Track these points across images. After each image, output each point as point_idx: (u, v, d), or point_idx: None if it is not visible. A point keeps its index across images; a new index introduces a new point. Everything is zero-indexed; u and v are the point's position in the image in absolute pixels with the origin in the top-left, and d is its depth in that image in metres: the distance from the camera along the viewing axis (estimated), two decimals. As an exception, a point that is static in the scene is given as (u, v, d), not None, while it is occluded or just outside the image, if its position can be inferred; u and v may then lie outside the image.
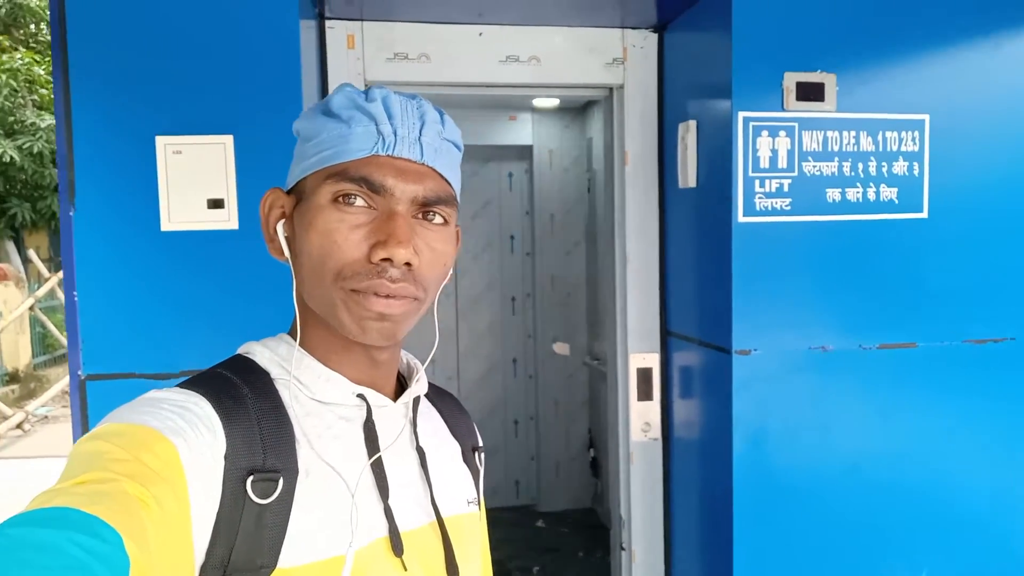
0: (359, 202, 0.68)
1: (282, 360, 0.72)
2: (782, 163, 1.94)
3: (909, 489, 2.02)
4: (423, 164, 0.70)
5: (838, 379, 1.99)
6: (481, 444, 0.89)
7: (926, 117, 1.99)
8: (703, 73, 2.10)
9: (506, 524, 3.81)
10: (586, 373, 3.92)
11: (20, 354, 8.39)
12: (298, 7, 1.77)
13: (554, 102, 3.75)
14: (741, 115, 1.91)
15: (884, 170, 1.99)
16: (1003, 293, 2.03)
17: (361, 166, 0.68)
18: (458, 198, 0.76)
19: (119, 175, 1.75)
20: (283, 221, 0.73)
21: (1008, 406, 2.05)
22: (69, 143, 1.72)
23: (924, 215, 2.00)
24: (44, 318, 8.59)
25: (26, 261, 9.62)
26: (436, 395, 0.87)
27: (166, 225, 1.74)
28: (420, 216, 0.70)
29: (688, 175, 2.16)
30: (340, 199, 0.67)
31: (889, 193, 1.99)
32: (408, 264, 0.67)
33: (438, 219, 0.71)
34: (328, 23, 2.20)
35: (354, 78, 2.22)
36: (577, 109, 3.90)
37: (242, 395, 0.66)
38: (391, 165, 0.68)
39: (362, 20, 2.22)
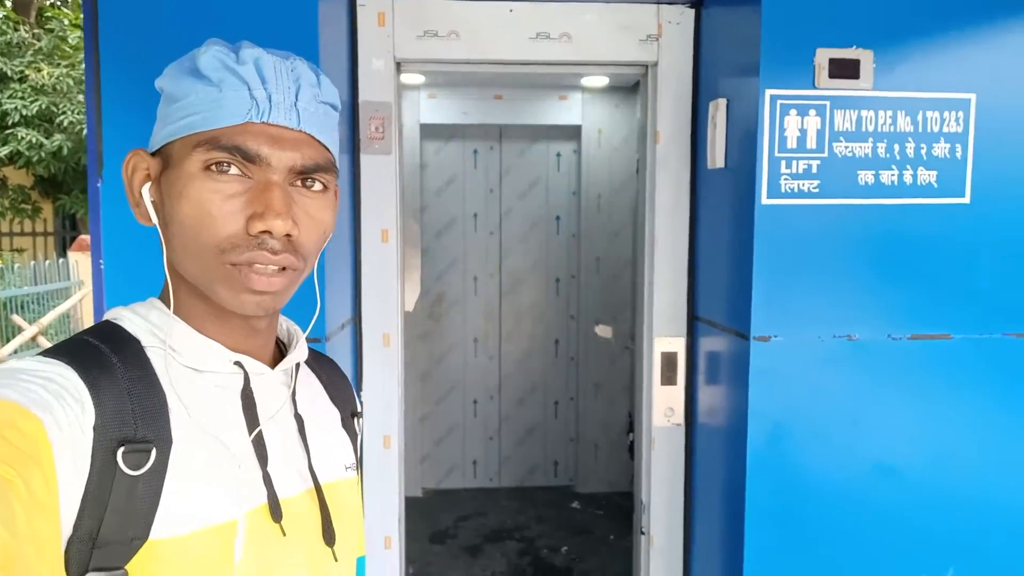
0: (233, 170, 0.65)
1: (154, 327, 0.69)
2: (811, 143, 1.86)
3: (940, 488, 1.93)
4: (299, 131, 0.67)
5: (865, 370, 1.91)
6: (360, 410, 0.89)
7: (972, 96, 1.88)
8: (734, 50, 2.03)
9: (542, 504, 3.82)
10: (628, 357, 3.87)
11: (100, 320, 8.84)
12: (318, -17, 1.79)
13: (604, 81, 3.70)
14: (768, 93, 1.85)
15: (923, 152, 1.89)
16: (1050, 285, 1.91)
17: (234, 134, 0.65)
18: (337, 162, 0.73)
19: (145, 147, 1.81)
20: (149, 184, 0.69)
21: (1052, 405, 1.94)
22: (98, 116, 1.79)
23: (966, 200, 1.90)
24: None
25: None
26: (316, 361, 0.86)
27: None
28: (299, 183, 0.68)
29: (716, 155, 2.10)
30: (212, 167, 0.65)
31: (928, 176, 1.89)
32: (288, 235, 0.66)
33: (317, 186, 0.69)
34: (359, 1, 2.22)
35: (384, 55, 2.24)
36: (628, 89, 3.84)
37: (111, 363, 0.64)
38: (265, 133, 0.65)
39: (393, -3, 2.22)
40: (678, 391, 2.36)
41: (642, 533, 2.50)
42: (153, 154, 0.70)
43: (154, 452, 0.62)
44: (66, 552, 0.58)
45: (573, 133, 3.90)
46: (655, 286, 2.37)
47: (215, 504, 0.64)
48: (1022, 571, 1.95)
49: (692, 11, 2.28)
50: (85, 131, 8.33)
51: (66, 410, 0.59)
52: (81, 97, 8.77)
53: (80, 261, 8.79)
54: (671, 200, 2.34)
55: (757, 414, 1.90)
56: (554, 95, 3.83)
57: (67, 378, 0.61)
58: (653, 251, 2.37)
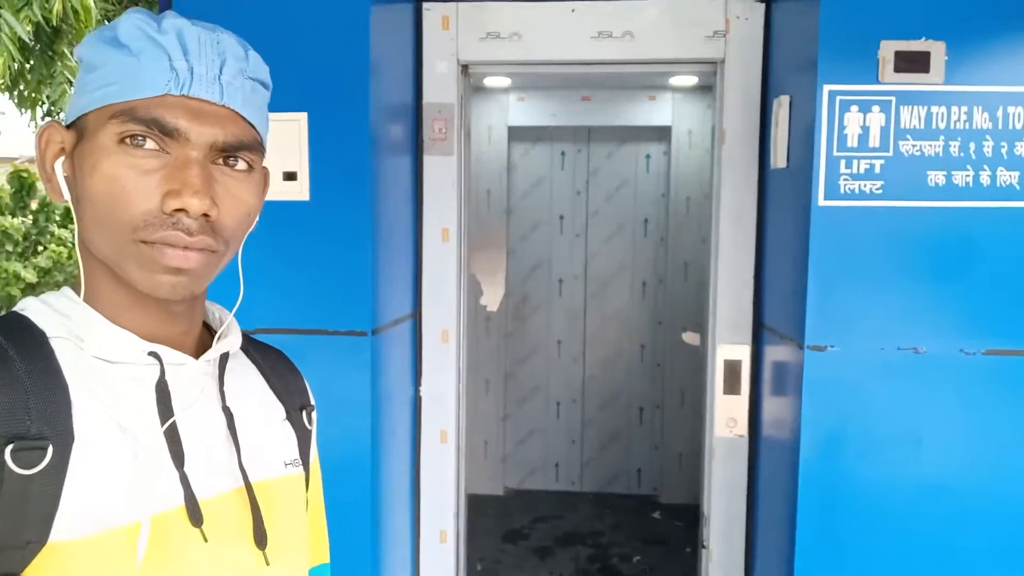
0: (150, 145, 0.62)
1: (62, 317, 0.66)
2: (874, 142, 1.75)
3: (1010, 519, 1.77)
4: (223, 106, 0.64)
5: (932, 386, 1.78)
6: (312, 403, 0.84)
7: (1063, 90, 1.71)
8: (796, 45, 1.95)
9: (622, 511, 3.77)
10: (716, 365, 3.76)
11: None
12: (370, -10, 1.85)
13: (693, 80, 3.61)
14: (827, 88, 1.75)
15: (1003, 151, 1.74)
16: None
17: (151, 106, 0.61)
18: (265, 143, 0.70)
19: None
20: (62, 159, 0.66)
21: None
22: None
23: (1054, 204, 1.73)
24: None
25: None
26: (259, 352, 0.81)
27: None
28: (220, 161, 0.64)
29: (779, 155, 2.01)
30: (127, 140, 0.61)
31: (1009, 177, 1.74)
32: (206, 215, 0.62)
33: (241, 164, 0.66)
34: (425, 5, 2.28)
35: (447, 58, 2.28)
36: (720, 88, 3.73)
37: (8, 357, 0.60)
38: (185, 106, 0.62)
39: (457, 1, 2.26)
40: (741, 401, 2.27)
41: (703, 547, 2.43)
42: (69, 127, 0.66)
43: (51, 450, 0.58)
44: None
45: (662, 134, 3.83)
46: (719, 291, 2.29)
47: (122, 505, 0.60)
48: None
49: (762, 5, 2.20)
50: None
51: None
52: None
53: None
54: (736, 202, 2.26)
55: (810, 428, 1.81)
56: (643, 96, 3.77)
57: None
58: (718, 255, 2.29)
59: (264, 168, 0.71)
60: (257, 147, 0.67)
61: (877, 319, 1.78)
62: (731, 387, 2.28)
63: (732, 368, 2.28)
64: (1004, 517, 1.77)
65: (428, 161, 2.32)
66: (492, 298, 3.83)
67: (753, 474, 2.30)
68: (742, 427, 2.29)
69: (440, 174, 2.32)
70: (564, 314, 4.02)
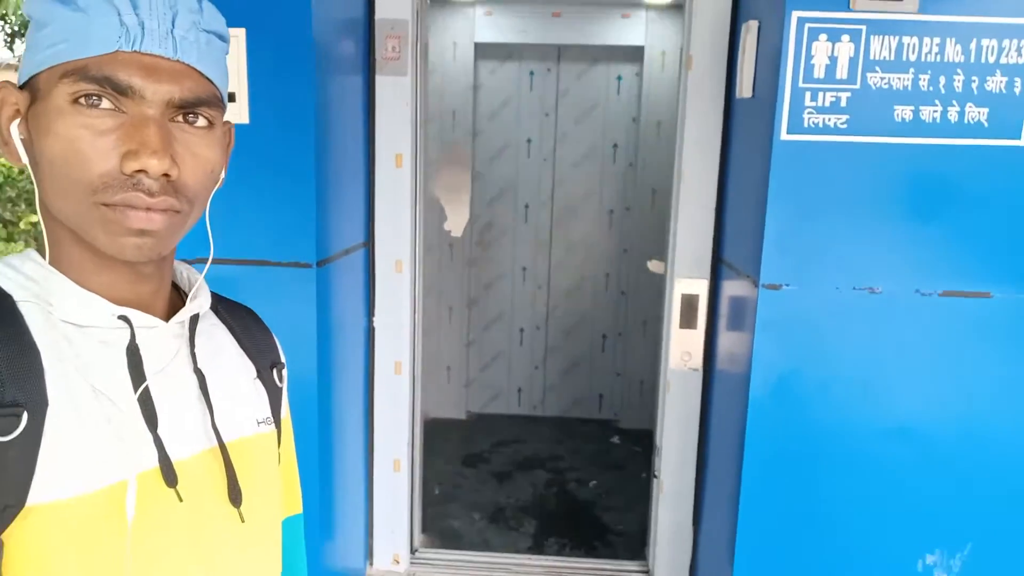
0: (105, 104, 0.60)
1: (28, 281, 0.65)
2: (841, 73, 1.68)
3: (966, 460, 1.79)
4: (177, 61, 0.62)
5: (887, 327, 1.76)
6: (283, 360, 0.84)
7: (1040, 21, 1.63)
8: (768, -35, 1.83)
9: (581, 436, 3.81)
10: (680, 294, 3.74)
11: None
12: None
13: (668, -1, 3.46)
14: (795, 14, 1.67)
15: (974, 86, 1.67)
16: (1113, 242, 1.68)
17: (103, 64, 0.60)
18: (225, 98, 0.68)
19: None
20: (18, 121, 0.64)
21: (1103, 376, 1.73)
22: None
23: (1021, 142, 1.68)
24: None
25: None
26: (228, 310, 0.81)
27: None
28: (180, 118, 0.63)
29: (744, 84, 1.93)
30: (82, 100, 0.60)
31: (977, 114, 1.68)
32: (167, 175, 0.61)
33: (201, 121, 0.64)
34: (377, -90, 2.12)
35: (403, -31, 2.14)
36: (696, 8, 3.57)
37: None
38: (138, 63, 0.60)
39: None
40: (697, 335, 2.25)
41: (655, 477, 2.45)
42: (22, 87, 0.65)
43: (25, 416, 0.58)
44: None
45: (635, 55, 3.69)
46: (679, 224, 2.24)
47: (100, 466, 0.61)
48: (1047, 552, 1.80)
49: (736, -80, 2.07)
50: None
51: None
52: None
53: None
54: (701, 132, 2.18)
55: (762, 366, 1.79)
56: (616, 13, 3.61)
57: None
58: (680, 186, 2.23)
59: (227, 123, 0.70)
60: (216, 102, 0.65)
61: (834, 258, 1.75)
62: (687, 321, 2.26)
63: (689, 302, 2.25)
64: (958, 455, 1.78)
65: (380, 82, 2.21)
66: (456, 223, 3.75)
67: (706, 408, 2.31)
68: (697, 361, 2.27)
69: (393, 96, 2.21)
70: (529, 241, 3.95)
